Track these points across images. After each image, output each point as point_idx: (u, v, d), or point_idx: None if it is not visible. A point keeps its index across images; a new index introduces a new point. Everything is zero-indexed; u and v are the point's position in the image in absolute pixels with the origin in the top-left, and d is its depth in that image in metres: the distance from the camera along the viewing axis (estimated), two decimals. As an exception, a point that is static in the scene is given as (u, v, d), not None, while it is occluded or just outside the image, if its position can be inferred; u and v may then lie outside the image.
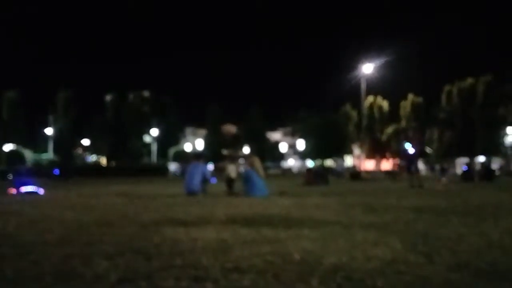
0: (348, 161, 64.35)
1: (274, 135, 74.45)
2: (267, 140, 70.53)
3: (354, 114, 65.52)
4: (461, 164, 43.15)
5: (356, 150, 36.42)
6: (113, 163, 58.33)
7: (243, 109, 69.87)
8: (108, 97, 65.71)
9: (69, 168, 42.20)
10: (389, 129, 63.22)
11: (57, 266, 2.63)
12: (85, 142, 65.47)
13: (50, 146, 60.04)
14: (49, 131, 59.94)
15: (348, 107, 66.98)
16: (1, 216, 5.51)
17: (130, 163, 52.11)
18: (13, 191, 11.88)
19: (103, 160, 65.21)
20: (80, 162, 63.37)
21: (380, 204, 6.96)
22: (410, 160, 14.34)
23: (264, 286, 2.19)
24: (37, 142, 59.40)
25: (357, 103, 52.63)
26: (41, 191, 11.77)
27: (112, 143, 61.62)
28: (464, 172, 21.25)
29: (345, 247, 3.19)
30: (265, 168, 13.86)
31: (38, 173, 26.67)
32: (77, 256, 2.90)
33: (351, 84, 38.44)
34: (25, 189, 11.81)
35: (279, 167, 65.56)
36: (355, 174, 26.11)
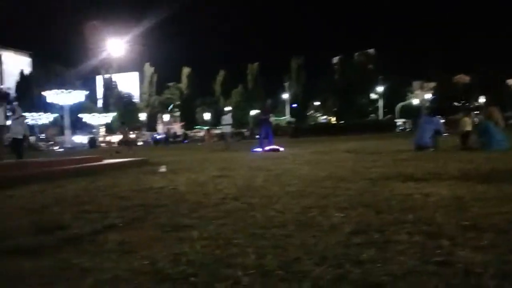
0: None
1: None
2: (506, 88, 61.17)
3: None
4: None
5: None
6: (341, 122, 60.36)
7: (475, 56, 61.81)
8: (335, 59, 68.73)
9: (301, 129, 46.11)
10: None
11: (298, 216, 2.96)
12: (316, 103, 70.73)
13: (287, 109, 67.32)
14: (285, 96, 67.62)
15: None
16: (252, 172, 6.43)
17: (357, 121, 52.94)
18: (259, 149, 13.68)
19: (332, 119, 68.30)
20: (312, 122, 68.06)
21: None
22: None
23: (507, 247, 2.01)
24: (276, 107, 67.66)
25: None
26: (281, 149, 13.19)
27: (340, 102, 63.97)
28: None
29: None
30: (505, 119, 12.13)
31: (278, 134, 30.49)
32: (315, 207, 3.20)
33: None
34: (268, 147, 13.44)
35: (523, 116, 56.11)
36: None
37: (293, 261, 1.95)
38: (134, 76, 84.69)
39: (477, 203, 3.04)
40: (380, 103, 62.19)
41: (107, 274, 1.88)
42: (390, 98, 60.85)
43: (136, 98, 75.86)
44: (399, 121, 53.43)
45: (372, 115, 63.92)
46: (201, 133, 53.80)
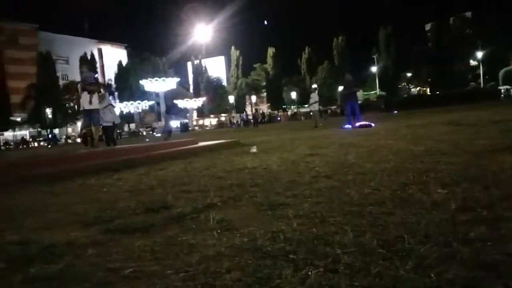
0: None
1: None
2: None
3: None
4: None
5: None
6: (437, 92, 56.65)
7: None
8: (427, 26, 64.81)
9: (393, 102, 44.22)
10: None
11: (396, 193, 2.84)
12: (408, 74, 67.37)
13: (377, 83, 65.13)
14: (374, 69, 65.40)
15: None
16: (343, 149, 6.32)
17: (455, 90, 49.29)
18: (348, 126, 13.39)
19: (427, 90, 64.54)
20: (404, 94, 64.88)
21: None
22: None
23: None
24: (365, 81, 65.59)
25: None
26: (372, 124, 12.77)
27: (434, 71, 59.98)
28: None
29: None
30: None
31: (368, 109, 29.74)
32: (414, 184, 3.05)
33: None
34: (358, 123, 13.10)
35: None
36: None
37: (395, 240, 1.88)
38: (221, 60, 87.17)
39: None
40: (481, 70, 57.33)
41: (211, 250, 1.98)
42: (492, 64, 55.77)
43: (224, 82, 78.09)
44: (503, 88, 48.91)
45: (472, 83, 59.18)
46: (280, 113, 53.95)
